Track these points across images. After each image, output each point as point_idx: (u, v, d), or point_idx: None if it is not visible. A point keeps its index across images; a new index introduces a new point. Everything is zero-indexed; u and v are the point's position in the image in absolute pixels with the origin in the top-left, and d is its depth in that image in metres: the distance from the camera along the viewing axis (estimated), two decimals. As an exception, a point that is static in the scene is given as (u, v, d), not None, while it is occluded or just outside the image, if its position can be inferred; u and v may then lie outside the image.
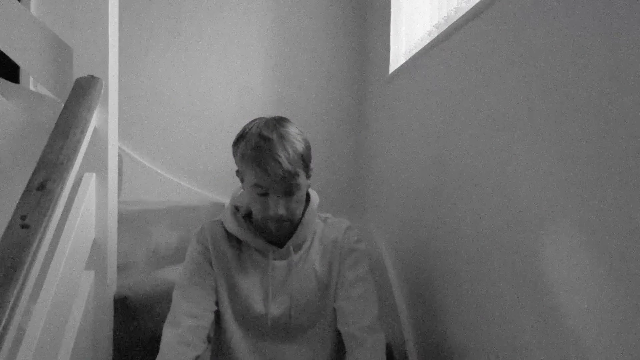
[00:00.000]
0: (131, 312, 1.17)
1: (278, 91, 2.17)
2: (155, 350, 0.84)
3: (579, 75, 0.58)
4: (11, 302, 0.70)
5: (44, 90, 1.61)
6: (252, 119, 0.90)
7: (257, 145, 0.82)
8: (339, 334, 0.93)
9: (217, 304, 0.91)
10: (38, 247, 0.79)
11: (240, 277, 0.92)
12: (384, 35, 1.75)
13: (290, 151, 0.83)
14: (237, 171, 0.93)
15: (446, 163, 1.03)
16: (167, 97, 2.13)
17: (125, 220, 1.31)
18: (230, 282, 0.92)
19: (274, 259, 0.92)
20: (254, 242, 0.92)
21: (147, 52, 2.11)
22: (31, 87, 1.97)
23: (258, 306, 0.90)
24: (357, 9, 2.18)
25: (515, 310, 0.72)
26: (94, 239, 1.10)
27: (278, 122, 0.87)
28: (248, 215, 0.96)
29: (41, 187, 0.85)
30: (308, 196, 0.97)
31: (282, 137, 0.83)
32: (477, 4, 0.87)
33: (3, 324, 0.68)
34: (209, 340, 0.90)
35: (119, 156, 1.45)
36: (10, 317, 0.70)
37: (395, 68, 1.57)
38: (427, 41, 1.25)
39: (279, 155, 0.81)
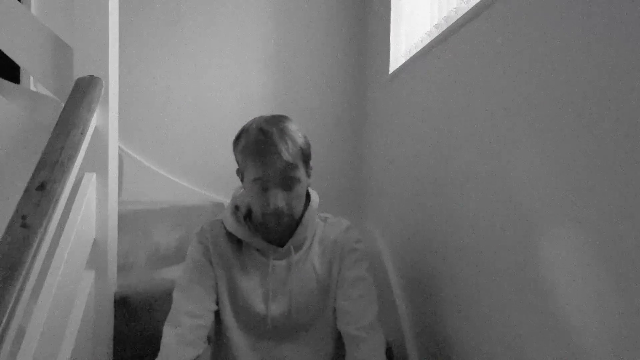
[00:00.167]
0: (131, 311, 1.17)
1: (278, 91, 2.17)
2: (156, 349, 0.84)
3: (579, 75, 0.58)
4: (11, 302, 0.70)
5: (44, 91, 1.61)
6: (252, 118, 0.91)
7: (257, 139, 0.84)
8: (339, 333, 0.93)
9: (217, 303, 0.91)
10: (38, 247, 0.79)
11: (241, 276, 0.92)
12: (384, 35, 1.75)
13: (290, 144, 0.84)
14: (237, 170, 0.94)
15: (446, 163, 1.03)
16: (167, 97, 2.13)
17: (126, 220, 1.31)
18: (231, 282, 0.92)
19: (274, 259, 0.92)
20: (254, 241, 0.92)
21: (147, 52, 2.11)
22: (31, 87, 1.97)
23: (258, 306, 0.90)
24: (357, 9, 2.18)
25: (515, 310, 0.72)
26: (94, 238, 1.10)
27: (278, 119, 0.88)
28: (248, 216, 0.96)
29: (41, 187, 0.85)
30: (308, 196, 0.97)
31: (282, 131, 0.85)
32: (477, 4, 0.87)
33: (3, 324, 0.68)
34: (209, 340, 0.90)
35: (119, 156, 1.45)
36: (11, 317, 0.70)
37: (395, 68, 1.57)
38: (427, 41, 1.25)
39: (278, 147, 0.82)
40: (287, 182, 0.85)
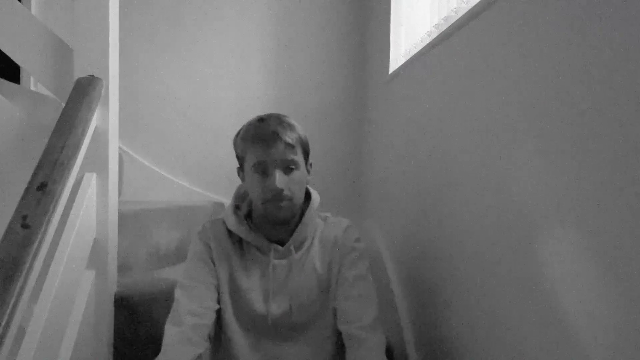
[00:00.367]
0: (131, 311, 1.18)
1: (278, 91, 2.17)
2: (156, 349, 0.84)
3: (578, 75, 0.58)
4: (11, 302, 0.70)
5: (44, 91, 1.61)
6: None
7: (257, 125, 0.88)
8: (339, 333, 0.93)
9: (218, 302, 0.92)
10: (39, 247, 0.79)
11: (242, 275, 0.92)
12: (384, 35, 1.75)
13: (288, 129, 0.88)
14: (238, 169, 0.94)
15: (446, 163, 1.03)
16: (167, 97, 2.13)
17: (126, 220, 1.32)
18: (232, 281, 0.92)
19: (275, 258, 0.92)
20: (255, 240, 0.92)
21: (147, 52, 2.11)
22: (32, 87, 1.97)
23: (259, 305, 0.91)
24: (357, 9, 2.18)
25: (515, 310, 0.72)
26: (95, 238, 1.10)
27: (278, 114, 0.92)
28: (249, 215, 0.96)
29: (42, 187, 0.85)
30: (309, 195, 0.98)
31: (280, 118, 0.89)
32: (477, 4, 0.87)
33: (3, 324, 0.68)
34: (209, 338, 0.90)
35: (119, 156, 1.45)
36: (11, 316, 0.70)
37: (395, 68, 1.57)
38: (427, 41, 1.26)
39: (277, 130, 0.86)
40: (287, 164, 0.86)
